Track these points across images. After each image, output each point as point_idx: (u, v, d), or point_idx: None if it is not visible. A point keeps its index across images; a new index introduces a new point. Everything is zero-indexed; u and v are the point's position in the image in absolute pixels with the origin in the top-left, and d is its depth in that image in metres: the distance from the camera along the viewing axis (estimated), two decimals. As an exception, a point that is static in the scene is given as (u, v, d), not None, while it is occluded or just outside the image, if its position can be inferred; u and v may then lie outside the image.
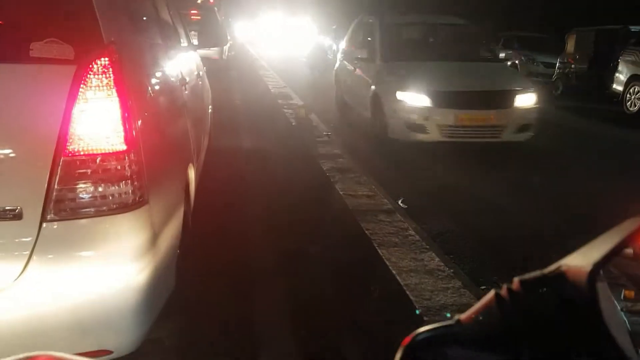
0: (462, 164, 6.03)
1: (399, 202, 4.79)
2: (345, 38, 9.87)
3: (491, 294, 0.60)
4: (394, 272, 2.73)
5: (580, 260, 0.57)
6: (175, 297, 2.22)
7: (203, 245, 3.07)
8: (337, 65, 9.89)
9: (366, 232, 3.47)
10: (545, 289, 0.57)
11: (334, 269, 3.11)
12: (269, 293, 2.88)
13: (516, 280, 0.59)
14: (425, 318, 2.17)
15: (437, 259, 3.02)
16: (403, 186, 5.29)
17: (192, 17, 11.79)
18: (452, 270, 3.07)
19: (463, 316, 0.62)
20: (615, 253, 0.56)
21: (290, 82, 12.63)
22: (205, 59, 5.81)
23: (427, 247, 3.27)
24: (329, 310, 2.72)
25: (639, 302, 0.76)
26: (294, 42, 22.63)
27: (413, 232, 3.58)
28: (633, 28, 12.59)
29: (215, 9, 18.45)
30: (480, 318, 0.60)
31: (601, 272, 0.57)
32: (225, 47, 13.32)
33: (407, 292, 2.44)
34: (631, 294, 0.77)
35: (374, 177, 5.35)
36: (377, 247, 3.17)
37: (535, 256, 3.76)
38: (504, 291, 0.59)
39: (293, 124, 7.90)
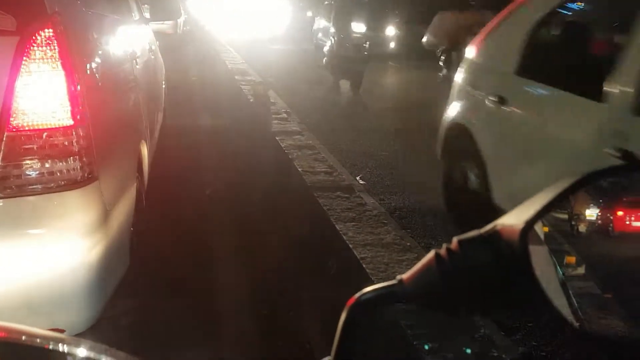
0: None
1: (358, 178, 4.83)
2: None
3: (431, 253, 0.63)
4: (350, 246, 2.77)
5: (514, 219, 0.59)
6: (130, 275, 2.19)
7: (158, 222, 3.03)
8: None
9: (324, 207, 3.49)
10: (480, 248, 0.59)
11: (292, 245, 3.12)
12: (226, 270, 2.87)
13: (454, 239, 0.61)
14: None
15: (393, 233, 3.07)
16: (363, 163, 5.33)
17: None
18: (408, 244, 3.13)
19: (405, 276, 0.64)
20: (546, 211, 0.58)
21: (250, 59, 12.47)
22: (159, 34, 5.66)
23: (385, 222, 3.31)
24: (286, 286, 2.74)
25: (579, 267, 0.79)
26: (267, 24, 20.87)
27: (370, 208, 3.62)
28: None
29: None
30: (421, 277, 0.62)
31: (535, 229, 0.59)
32: (180, 21, 12.98)
33: (364, 265, 2.48)
34: (572, 260, 0.80)
35: (334, 154, 5.36)
36: (334, 223, 3.20)
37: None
38: (443, 251, 0.61)
39: (251, 100, 7.81)
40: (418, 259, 2.16)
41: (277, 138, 5.62)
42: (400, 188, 4.68)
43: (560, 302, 0.62)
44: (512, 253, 0.57)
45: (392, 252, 2.65)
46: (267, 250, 3.12)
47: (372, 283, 2.32)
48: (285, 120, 6.57)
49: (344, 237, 2.86)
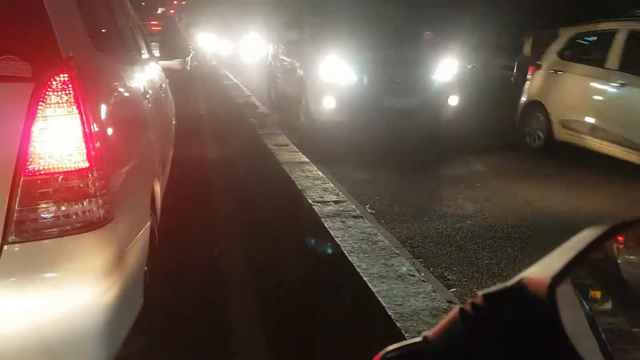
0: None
1: (367, 207, 4.83)
2: None
3: (456, 309, 0.61)
4: (365, 279, 2.74)
5: (540, 272, 0.58)
6: (144, 313, 2.18)
7: (171, 260, 3.02)
8: None
9: (335, 239, 3.47)
10: (507, 303, 0.59)
11: (305, 279, 3.10)
12: (239, 306, 2.86)
13: (479, 294, 0.60)
14: (398, 324, 2.18)
15: (407, 263, 3.05)
16: (371, 191, 5.33)
17: (152, 27, 11.68)
18: (422, 274, 3.10)
19: (430, 333, 0.63)
20: (573, 265, 0.58)
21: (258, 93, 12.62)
22: (168, 70, 5.74)
23: (397, 252, 3.30)
24: (301, 322, 2.71)
25: (606, 302, 0.78)
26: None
27: (382, 238, 3.60)
28: None
29: (176, 19, 18.31)
30: (446, 334, 0.61)
31: (561, 283, 0.59)
32: (188, 58, 13.20)
33: (379, 299, 2.45)
34: (597, 294, 0.79)
35: (342, 183, 5.37)
36: (347, 255, 3.18)
37: (503, 257, 3.84)
38: (468, 306, 0.60)
39: (259, 132, 7.87)
40: (433, 290, 2.14)
41: (285, 169, 5.64)
42: (410, 216, 4.67)
43: (587, 347, 0.61)
44: (540, 309, 0.56)
45: (408, 284, 2.62)
46: (280, 285, 3.11)
47: (389, 318, 2.30)
48: (294, 151, 6.60)
49: (358, 269, 2.83)
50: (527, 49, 14.93)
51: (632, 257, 0.73)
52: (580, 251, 0.58)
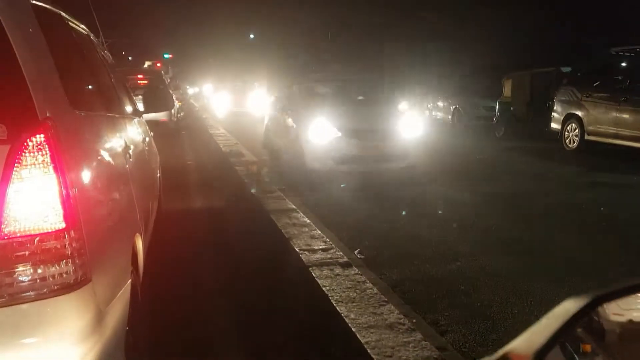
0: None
1: (356, 252, 4.78)
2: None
3: None
4: (353, 329, 2.69)
5: (524, 348, 0.57)
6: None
7: (154, 318, 2.95)
8: None
9: (323, 288, 3.42)
10: None
11: (292, 330, 3.03)
12: (227, 361, 2.77)
13: None
14: (387, 376, 2.13)
15: (396, 311, 3.00)
16: (360, 236, 5.29)
17: (139, 81, 11.80)
18: (413, 320, 3.05)
19: None
20: (556, 338, 0.56)
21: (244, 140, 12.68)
22: (155, 122, 5.78)
23: (386, 300, 3.25)
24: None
25: (597, 355, 0.76)
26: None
27: (371, 285, 3.56)
28: (564, 69, 13.32)
29: (162, 72, 18.57)
30: None
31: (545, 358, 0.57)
32: (174, 110, 13.32)
33: (368, 351, 2.40)
34: (588, 347, 0.77)
35: (329, 228, 5.33)
36: (335, 305, 3.13)
37: (497, 299, 3.80)
38: None
39: (245, 181, 7.87)
40: (424, 338, 2.09)
41: (272, 217, 5.61)
42: (400, 260, 4.62)
43: None
44: None
45: (398, 333, 2.57)
46: (267, 336, 3.03)
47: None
48: (280, 198, 6.59)
49: (346, 319, 2.78)
50: (506, 90, 15.29)
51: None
52: (563, 324, 0.56)
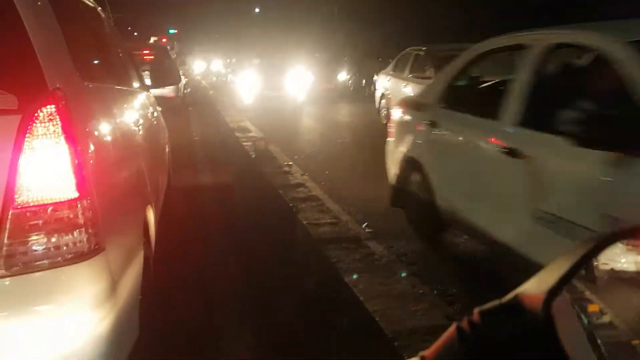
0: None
1: (364, 226, 4.80)
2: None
3: (452, 327, 0.61)
4: (361, 299, 2.72)
5: (535, 287, 0.58)
6: (140, 343, 2.15)
7: (167, 287, 3.00)
8: None
9: (331, 260, 3.46)
10: (503, 318, 0.58)
11: (302, 301, 3.07)
12: (237, 331, 2.82)
13: (475, 311, 0.59)
14: (395, 343, 2.16)
15: (404, 281, 3.03)
16: (368, 209, 5.31)
17: (145, 57, 11.75)
18: (420, 291, 3.07)
19: (427, 352, 0.62)
20: (568, 278, 0.57)
21: (251, 117, 12.67)
22: (161, 98, 5.78)
23: (394, 270, 3.28)
24: (299, 345, 2.68)
25: (604, 315, 0.77)
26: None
27: (379, 257, 3.58)
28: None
29: (168, 47, 18.46)
30: (444, 352, 0.60)
31: (558, 297, 0.58)
32: (181, 85, 13.29)
33: (376, 319, 2.43)
34: (595, 307, 0.78)
35: (338, 203, 5.36)
36: (343, 275, 3.16)
37: (503, 270, 3.82)
38: (464, 323, 0.60)
39: (252, 156, 7.88)
40: (431, 308, 2.12)
41: (279, 191, 5.63)
42: (408, 232, 4.63)
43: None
44: (536, 322, 0.55)
45: (405, 302, 2.60)
46: (278, 308, 3.07)
47: (386, 337, 2.27)
48: (287, 173, 6.61)
49: (354, 289, 2.81)
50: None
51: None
52: (575, 264, 0.57)
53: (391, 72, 11.58)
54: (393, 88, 11.03)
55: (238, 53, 27.69)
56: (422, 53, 10.58)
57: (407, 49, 11.45)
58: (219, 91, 21.08)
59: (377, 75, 14.05)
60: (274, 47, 21.97)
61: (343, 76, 21.43)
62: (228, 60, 30.84)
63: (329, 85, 19.61)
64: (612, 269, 0.77)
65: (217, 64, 34.59)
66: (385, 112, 11.07)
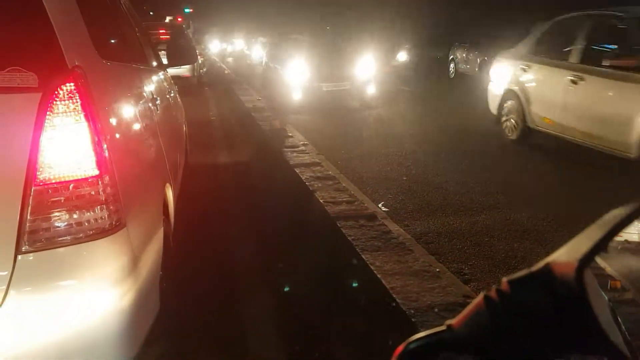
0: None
1: (380, 205, 4.81)
2: None
3: (480, 296, 0.60)
4: (378, 276, 2.73)
5: (566, 256, 0.56)
6: (161, 319, 2.19)
7: (186, 264, 3.04)
8: None
9: (348, 238, 3.47)
10: (533, 287, 0.57)
11: (320, 278, 3.10)
12: (256, 309, 2.85)
13: (504, 280, 0.58)
14: (413, 319, 2.17)
15: (421, 259, 3.03)
16: (384, 189, 5.31)
17: (160, 36, 11.76)
18: (437, 270, 3.08)
19: (454, 321, 0.61)
20: (599, 247, 0.56)
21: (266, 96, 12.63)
22: (178, 77, 5.80)
23: (411, 249, 3.28)
24: (319, 321, 2.71)
25: (626, 291, 0.76)
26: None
27: (396, 235, 3.59)
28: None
29: (184, 26, 18.45)
30: (471, 321, 0.60)
31: (589, 266, 0.57)
32: (197, 65, 13.28)
33: (394, 295, 2.44)
34: (617, 284, 0.77)
35: (354, 182, 5.36)
36: (360, 253, 3.17)
37: (520, 249, 3.81)
38: (492, 292, 0.59)
39: (268, 135, 7.89)
40: (448, 285, 2.12)
41: (296, 170, 5.64)
42: (424, 212, 4.64)
43: (613, 333, 0.59)
44: (568, 292, 0.54)
45: (422, 279, 2.61)
46: (294, 284, 3.10)
47: (404, 313, 2.28)
48: (304, 152, 6.61)
49: (372, 267, 2.82)
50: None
51: None
52: (608, 232, 0.56)
53: (531, 57, 7.40)
54: (540, 85, 7.11)
55: (262, 31, 26.19)
56: (617, 21, 6.19)
57: (569, 15, 7.13)
58: (226, 64, 20.44)
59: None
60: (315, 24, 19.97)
61: (403, 56, 19.95)
62: (253, 40, 27.07)
63: (388, 68, 16.79)
64: (626, 240, 0.76)
65: (238, 44, 33.95)
66: (513, 121, 7.51)
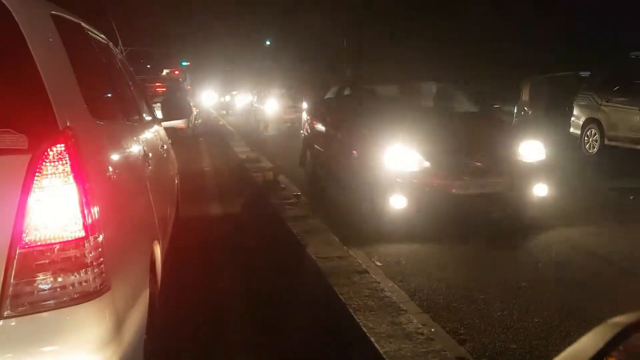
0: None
1: (373, 259, 4.75)
2: None
3: None
4: (372, 339, 2.66)
5: None
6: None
7: (173, 325, 2.96)
8: None
9: (340, 296, 3.40)
10: None
11: (311, 340, 3.02)
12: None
13: None
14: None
15: (415, 320, 2.96)
16: (375, 244, 5.26)
17: (157, 89, 11.93)
18: (432, 330, 3.01)
19: None
20: (601, 357, 0.54)
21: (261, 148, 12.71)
22: (172, 129, 5.83)
23: (405, 308, 3.22)
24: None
25: None
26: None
27: (389, 293, 3.53)
28: (582, 74, 13.18)
29: (180, 80, 18.73)
30: None
31: None
32: (192, 117, 13.44)
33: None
34: None
35: (344, 236, 5.31)
36: (352, 313, 3.11)
37: (515, 307, 3.75)
38: None
39: (261, 186, 7.89)
40: (443, 349, 2.06)
41: (288, 224, 5.60)
42: (419, 267, 4.58)
43: None
44: None
45: (416, 343, 2.54)
46: (286, 346, 3.02)
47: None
48: (295, 205, 6.59)
49: (364, 328, 2.76)
50: (524, 94, 15.17)
51: None
52: (609, 341, 0.54)
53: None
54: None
55: (260, 85, 23.61)
56: None
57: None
58: (222, 116, 19.83)
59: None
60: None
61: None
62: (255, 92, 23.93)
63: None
64: None
65: (222, 95, 34.27)
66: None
